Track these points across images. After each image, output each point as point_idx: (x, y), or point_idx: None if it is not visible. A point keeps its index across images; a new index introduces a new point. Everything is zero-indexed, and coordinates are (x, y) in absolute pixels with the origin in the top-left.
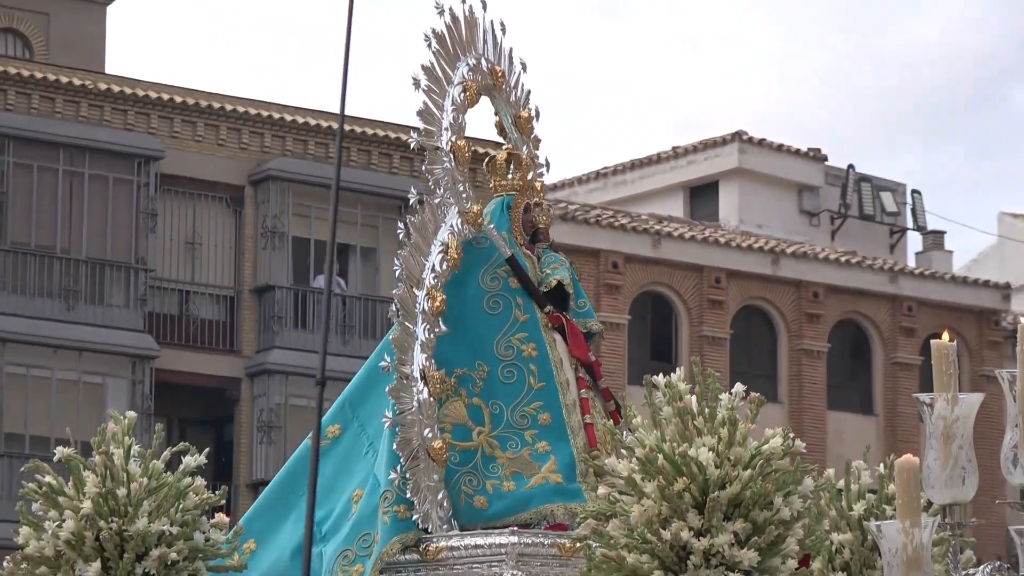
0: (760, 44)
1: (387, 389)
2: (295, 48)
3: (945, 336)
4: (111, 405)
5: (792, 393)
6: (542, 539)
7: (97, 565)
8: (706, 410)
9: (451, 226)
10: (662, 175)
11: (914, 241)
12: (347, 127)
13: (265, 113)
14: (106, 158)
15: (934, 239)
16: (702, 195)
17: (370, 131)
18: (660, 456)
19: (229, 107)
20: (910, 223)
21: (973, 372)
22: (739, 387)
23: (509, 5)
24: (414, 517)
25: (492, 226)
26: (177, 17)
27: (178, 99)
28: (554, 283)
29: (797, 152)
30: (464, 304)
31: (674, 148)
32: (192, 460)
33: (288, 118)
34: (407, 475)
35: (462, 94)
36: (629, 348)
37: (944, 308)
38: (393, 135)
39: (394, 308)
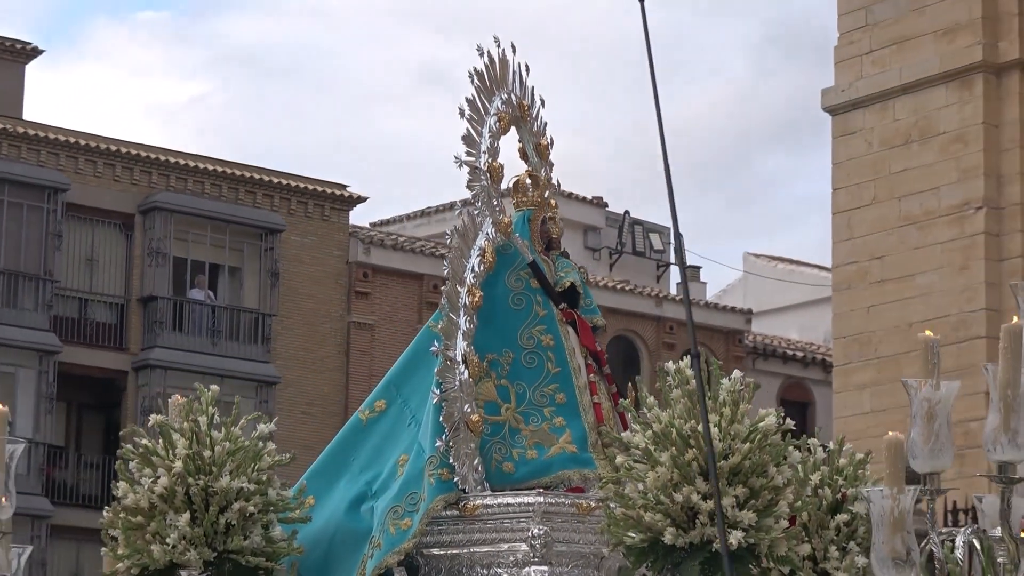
0: (562, 109)
1: (435, 370)
2: (179, 99)
3: (928, 332)
4: (21, 391)
5: None
6: (563, 500)
7: (186, 516)
8: (710, 392)
9: (486, 233)
10: None
11: (675, 274)
12: (220, 169)
13: (153, 155)
14: (21, 189)
15: (692, 272)
16: None
17: (238, 172)
18: (673, 431)
19: (124, 149)
20: (673, 259)
21: None
22: (737, 373)
23: (355, 75)
24: (455, 479)
25: (517, 235)
26: (83, 76)
27: (82, 142)
28: (568, 284)
29: (584, 199)
30: (494, 300)
31: None
32: (265, 428)
33: (172, 160)
34: (450, 443)
35: (497, 123)
36: None
37: (699, 328)
38: (257, 176)
39: (442, 302)
